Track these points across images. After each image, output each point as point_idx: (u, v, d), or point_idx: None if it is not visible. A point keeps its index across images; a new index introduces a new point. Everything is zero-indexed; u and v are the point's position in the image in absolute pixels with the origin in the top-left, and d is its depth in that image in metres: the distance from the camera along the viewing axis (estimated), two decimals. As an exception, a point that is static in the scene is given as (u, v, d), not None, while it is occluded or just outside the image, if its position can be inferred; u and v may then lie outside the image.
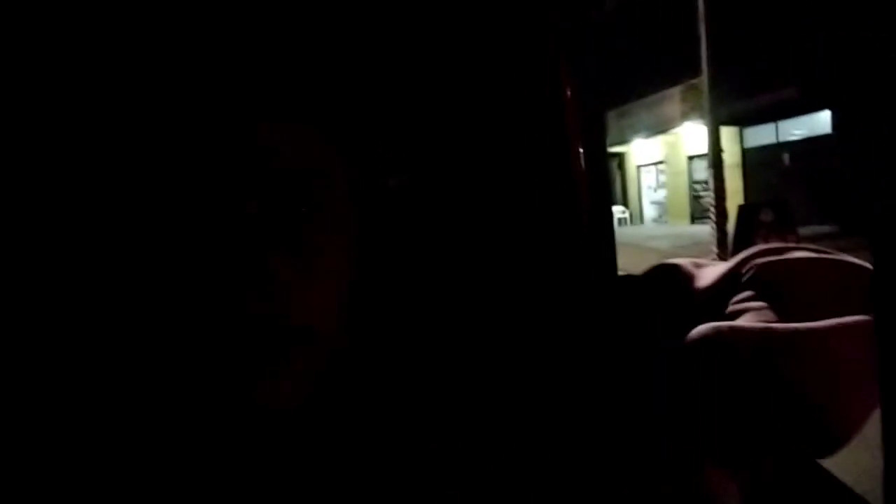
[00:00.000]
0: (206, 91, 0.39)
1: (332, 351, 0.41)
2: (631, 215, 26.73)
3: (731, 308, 0.52)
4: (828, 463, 0.56)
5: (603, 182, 0.73)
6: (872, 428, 0.49)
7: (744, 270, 0.55)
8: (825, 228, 14.53)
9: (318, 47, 0.43)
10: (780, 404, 0.45)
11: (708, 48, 11.79)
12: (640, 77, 19.94)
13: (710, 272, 0.58)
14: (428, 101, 0.51)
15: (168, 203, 0.39)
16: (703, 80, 12.16)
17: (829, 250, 0.55)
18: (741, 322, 0.49)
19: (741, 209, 11.71)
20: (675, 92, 19.58)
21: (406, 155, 0.50)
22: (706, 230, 12.71)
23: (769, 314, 0.49)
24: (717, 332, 0.49)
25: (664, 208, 24.94)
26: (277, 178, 0.40)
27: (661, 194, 25.14)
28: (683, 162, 22.49)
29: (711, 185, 12.30)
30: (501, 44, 0.54)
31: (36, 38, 0.39)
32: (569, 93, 0.58)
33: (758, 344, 0.47)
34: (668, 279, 0.59)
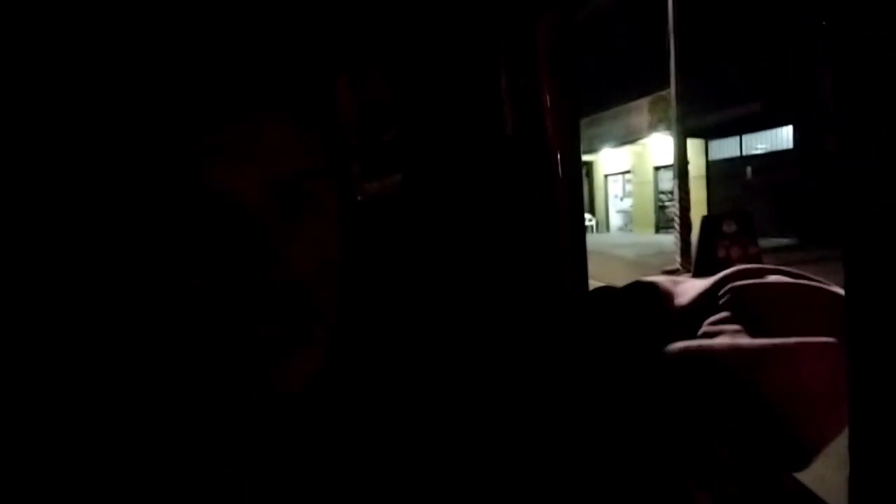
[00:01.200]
0: (202, 88, 0.40)
1: (332, 338, 0.42)
2: (597, 223, 26.98)
3: (705, 329, 0.52)
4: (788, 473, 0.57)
5: (576, 189, 0.74)
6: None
7: (721, 292, 0.55)
8: (785, 241, 14.86)
9: (316, 48, 0.44)
10: (750, 419, 0.46)
11: (676, 61, 11.98)
12: (609, 87, 20.17)
13: (687, 290, 0.58)
14: (415, 107, 0.52)
15: (166, 201, 0.39)
16: (671, 92, 12.35)
17: (806, 275, 0.56)
18: (713, 341, 0.50)
19: (705, 220, 11.88)
20: (644, 103, 19.85)
21: (394, 156, 0.50)
22: (670, 240, 12.89)
23: (744, 337, 0.50)
24: (686, 350, 0.50)
25: (630, 217, 25.24)
26: (275, 176, 0.41)
27: (628, 203, 25.44)
28: (650, 172, 22.80)
29: (676, 195, 12.47)
30: (487, 53, 0.55)
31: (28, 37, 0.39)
32: (549, 101, 0.59)
33: (726, 360, 0.48)
34: (647, 295, 0.59)
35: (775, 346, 0.47)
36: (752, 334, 0.49)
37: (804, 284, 0.54)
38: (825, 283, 0.53)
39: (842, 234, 0.29)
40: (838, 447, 0.38)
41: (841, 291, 0.51)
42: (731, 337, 0.50)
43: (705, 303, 0.55)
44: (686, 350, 0.50)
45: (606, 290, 0.61)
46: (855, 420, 0.30)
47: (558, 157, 0.60)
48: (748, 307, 0.52)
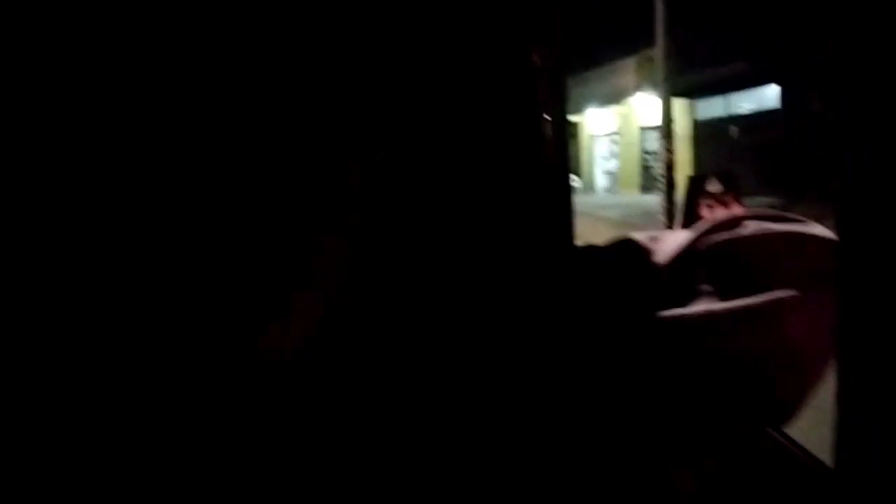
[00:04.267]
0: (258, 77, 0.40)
1: (333, 301, 0.42)
2: (583, 184, 26.95)
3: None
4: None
5: (563, 149, 0.74)
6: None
7: (699, 247, 0.55)
8: (770, 200, 14.93)
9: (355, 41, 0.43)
10: (730, 380, 0.46)
11: (663, 19, 11.85)
12: (594, 46, 19.95)
13: (666, 246, 0.58)
14: (408, 74, 0.51)
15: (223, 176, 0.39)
16: (658, 51, 12.23)
17: (787, 215, 0.55)
18: (688, 309, 0.50)
19: (689, 179, 11.91)
20: (630, 62, 19.69)
21: (393, 129, 0.50)
22: (656, 200, 12.91)
23: (715, 299, 0.50)
24: (665, 319, 0.50)
25: (616, 178, 25.23)
26: (319, 151, 0.41)
27: (614, 164, 25.41)
28: (636, 133, 22.73)
29: (661, 155, 12.43)
30: (476, 16, 0.54)
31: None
32: (536, 61, 0.59)
33: (700, 326, 0.48)
34: (628, 253, 0.59)
35: (745, 306, 0.47)
36: (736, 286, 0.50)
37: (781, 232, 0.54)
38: (807, 223, 0.53)
39: (833, 189, 0.30)
40: (820, 402, 0.39)
41: (821, 233, 0.51)
42: (707, 300, 0.50)
43: (684, 260, 0.55)
44: (665, 319, 0.50)
45: (591, 249, 0.60)
46: (842, 370, 0.30)
47: (545, 117, 0.60)
48: (726, 260, 0.52)
